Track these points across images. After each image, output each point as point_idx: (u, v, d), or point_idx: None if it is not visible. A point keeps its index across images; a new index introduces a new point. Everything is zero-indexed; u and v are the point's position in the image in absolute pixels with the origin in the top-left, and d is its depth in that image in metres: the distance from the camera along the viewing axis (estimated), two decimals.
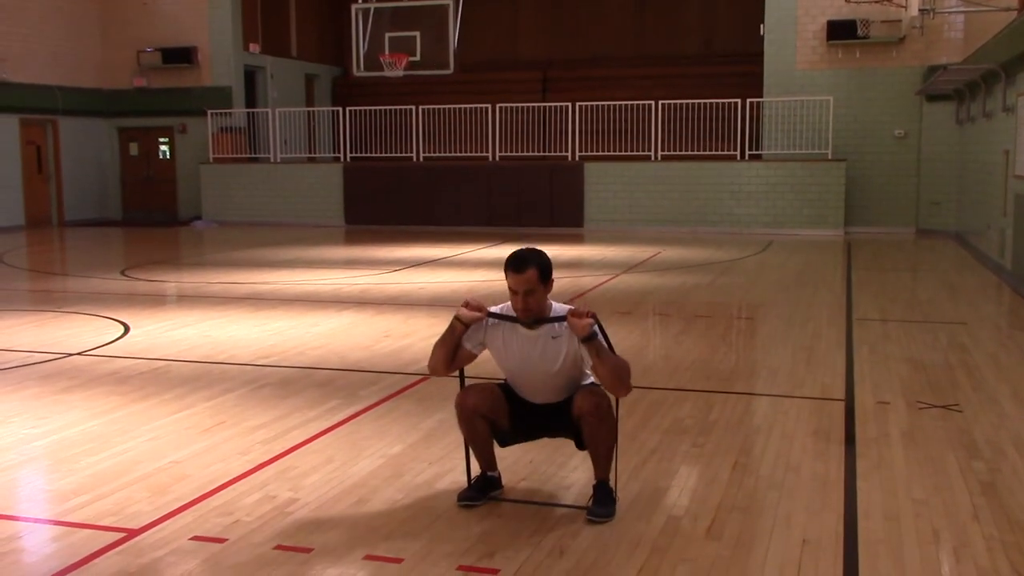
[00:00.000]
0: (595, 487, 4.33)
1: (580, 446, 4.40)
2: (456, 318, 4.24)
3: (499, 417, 4.36)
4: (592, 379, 4.34)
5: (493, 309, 4.28)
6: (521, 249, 4.22)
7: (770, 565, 3.76)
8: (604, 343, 4.11)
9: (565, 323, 4.15)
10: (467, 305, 4.25)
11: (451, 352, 4.27)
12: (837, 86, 19.05)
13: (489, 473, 4.48)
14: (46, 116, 21.34)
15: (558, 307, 4.26)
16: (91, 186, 22.72)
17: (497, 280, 12.11)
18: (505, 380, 4.46)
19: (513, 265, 4.15)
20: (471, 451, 4.46)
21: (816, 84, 19.19)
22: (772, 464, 4.96)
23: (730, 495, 4.50)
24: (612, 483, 4.34)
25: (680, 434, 5.48)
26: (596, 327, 4.08)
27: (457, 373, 4.41)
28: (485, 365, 4.64)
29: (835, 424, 5.68)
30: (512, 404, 4.39)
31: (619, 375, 4.12)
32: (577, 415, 4.24)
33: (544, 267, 4.17)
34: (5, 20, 20.12)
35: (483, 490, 4.42)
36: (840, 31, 18.81)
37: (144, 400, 6.22)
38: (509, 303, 4.27)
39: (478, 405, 4.30)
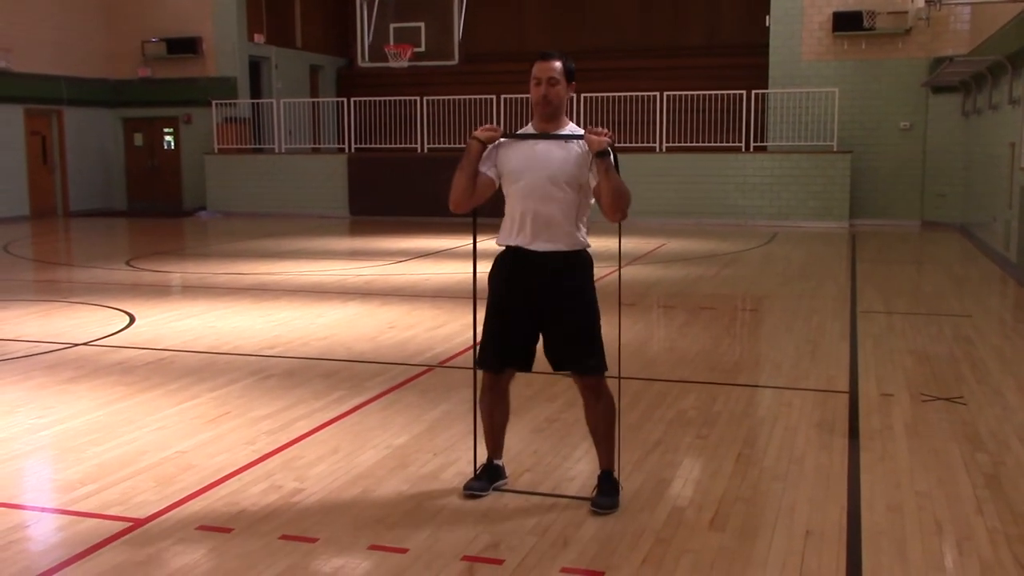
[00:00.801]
0: (600, 478, 4.35)
1: (555, 364, 4.34)
2: (473, 137, 4.26)
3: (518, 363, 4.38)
4: (581, 237, 4.33)
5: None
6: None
7: (773, 556, 3.77)
8: (614, 165, 4.14)
9: (579, 142, 4.20)
10: (484, 127, 4.30)
11: (471, 178, 4.25)
12: (843, 78, 19.00)
13: (495, 461, 4.50)
14: (51, 106, 21.36)
15: (575, 128, 4.30)
16: (96, 176, 22.74)
17: None
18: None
19: (541, 55, 4.25)
20: (485, 433, 4.47)
21: (822, 76, 19.14)
22: (776, 456, 4.97)
23: (734, 486, 4.51)
24: (616, 474, 4.35)
25: (684, 426, 5.49)
26: (610, 147, 4.12)
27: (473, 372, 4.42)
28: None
29: (839, 416, 5.69)
30: (510, 327, 4.32)
31: (619, 196, 4.15)
32: (579, 389, 4.31)
33: (570, 67, 4.25)
34: (10, 10, 20.11)
35: (490, 480, 4.44)
36: (846, 22, 18.76)
37: (150, 390, 6.24)
38: (527, 127, 4.33)
39: (501, 377, 4.37)
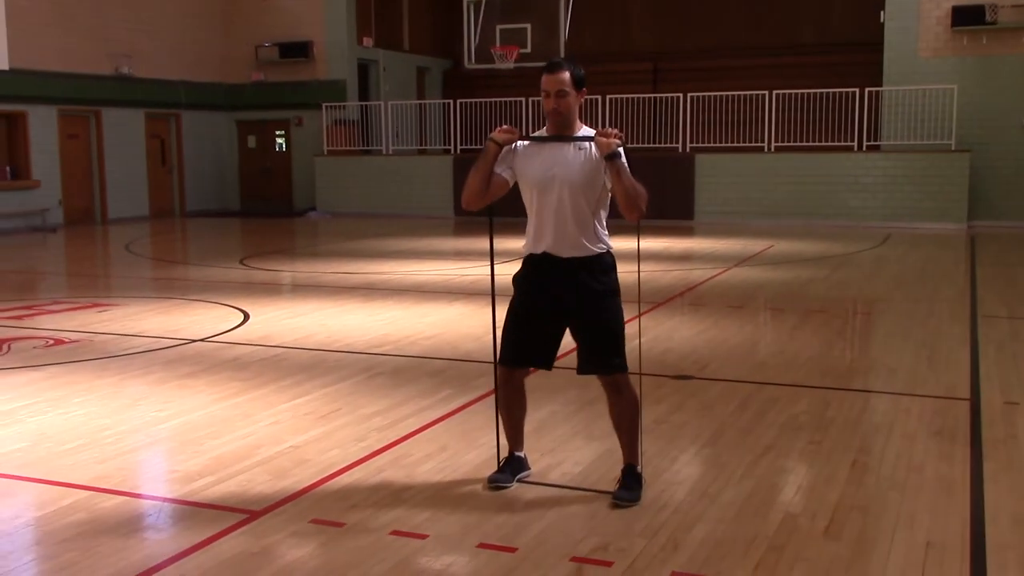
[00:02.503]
0: (623, 471, 4.37)
1: (580, 367, 4.40)
2: (491, 139, 4.32)
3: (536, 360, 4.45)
4: (604, 240, 4.32)
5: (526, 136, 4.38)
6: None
7: (892, 568, 3.65)
8: (626, 166, 4.15)
9: (593, 144, 4.22)
10: (501, 129, 4.34)
11: (486, 178, 4.32)
12: (962, 74, 18.36)
13: (517, 453, 4.58)
14: (170, 110, 22.13)
15: (588, 130, 4.33)
16: (211, 178, 23.48)
17: None
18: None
19: (548, 67, 4.26)
20: (504, 427, 4.57)
21: (939, 72, 18.53)
22: (893, 464, 4.81)
23: (849, 494, 4.39)
24: (639, 468, 4.37)
25: (796, 431, 5.37)
26: (621, 149, 4.14)
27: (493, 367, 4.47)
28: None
29: (960, 424, 5.49)
30: (531, 331, 4.38)
31: (632, 196, 4.15)
32: (602, 384, 4.33)
33: (578, 74, 4.26)
34: (132, 17, 20.91)
35: (514, 472, 4.52)
36: (966, 17, 18.12)
37: (263, 386, 6.40)
38: (542, 130, 4.38)
39: (518, 372, 4.46)
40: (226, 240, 18.09)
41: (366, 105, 22.72)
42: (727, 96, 19.71)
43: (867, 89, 18.55)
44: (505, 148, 4.34)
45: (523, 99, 20.82)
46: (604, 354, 4.32)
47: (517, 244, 4.58)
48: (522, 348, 4.42)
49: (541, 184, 4.30)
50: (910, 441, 5.17)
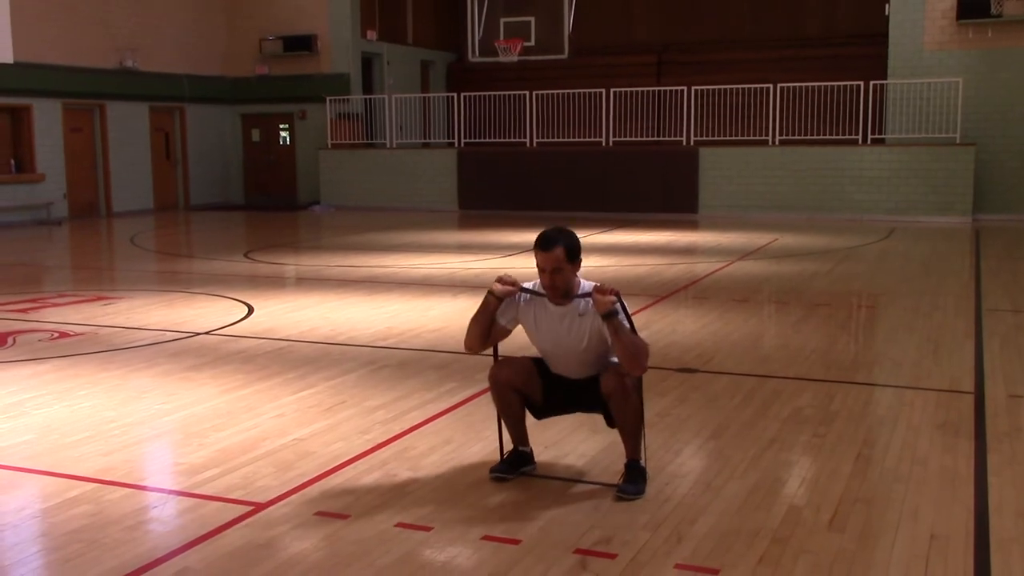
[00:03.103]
0: (626, 465, 4.39)
1: (611, 423, 4.47)
2: (490, 293, 4.38)
3: (532, 391, 4.50)
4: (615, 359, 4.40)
5: (526, 285, 4.41)
6: (551, 229, 4.36)
7: (896, 560, 3.65)
8: (625, 323, 4.17)
9: (591, 301, 4.23)
10: (501, 280, 4.37)
11: (486, 328, 4.41)
12: (967, 67, 18.32)
13: (521, 448, 4.59)
14: (174, 104, 22.13)
15: (586, 284, 4.35)
16: (215, 171, 23.48)
17: (610, 266, 12.10)
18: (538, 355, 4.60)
19: (541, 244, 4.28)
20: (503, 425, 4.58)
21: (944, 65, 18.48)
22: (897, 457, 4.82)
23: (853, 487, 4.39)
24: (643, 462, 4.39)
25: (800, 424, 5.37)
26: (618, 305, 4.15)
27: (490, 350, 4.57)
28: (518, 340, 4.65)
29: (964, 417, 5.48)
30: (545, 378, 4.50)
31: (633, 354, 4.18)
32: (605, 394, 4.31)
33: (571, 247, 4.28)
34: (136, 12, 20.91)
35: (515, 465, 4.54)
36: (972, 9, 18.06)
37: (268, 379, 6.41)
38: (539, 283, 4.41)
39: (511, 379, 4.45)
40: (230, 233, 18.11)
41: (370, 99, 22.70)
42: (731, 89, 19.67)
43: (872, 82, 18.51)
44: (505, 300, 4.39)
45: (527, 92, 20.80)
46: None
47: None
48: (543, 372, 4.50)
49: (550, 354, 4.46)
50: (914, 434, 5.17)
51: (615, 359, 4.36)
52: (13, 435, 5.23)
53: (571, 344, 4.36)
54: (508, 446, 4.62)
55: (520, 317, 4.46)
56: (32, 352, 7.29)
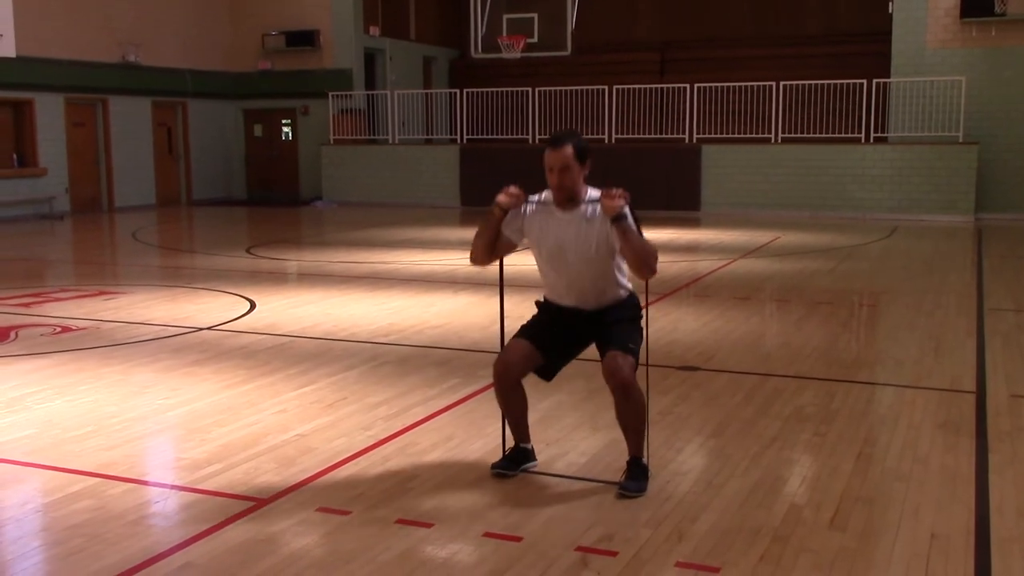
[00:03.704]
0: (628, 463, 4.38)
1: (610, 347, 4.39)
2: (495, 204, 4.34)
3: (535, 360, 4.44)
4: (626, 284, 4.40)
5: (532, 197, 4.40)
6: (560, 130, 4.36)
7: (897, 559, 3.66)
8: (633, 227, 4.15)
9: (599, 206, 4.21)
10: (506, 192, 4.34)
11: (492, 241, 4.39)
12: (971, 66, 18.29)
13: (522, 444, 4.59)
14: (176, 99, 22.13)
15: (594, 192, 4.32)
16: (217, 166, 23.49)
17: None
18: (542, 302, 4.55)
19: (550, 142, 4.28)
20: (506, 421, 4.59)
21: (947, 63, 18.46)
22: (898, 456, 4.82)
23: (854, 486, 4.40)
24: (645, 460, 4.39)
25: (801, 422, 5.37)
26: (626, 209, 4.14)
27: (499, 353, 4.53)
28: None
29: (965, 417, 5.49)
30: (543, 342, 4.43)
31: (642, 257, 4.17)
32: (606, 379, 4.27)
33: (580, 146, 4.27)
34: (139, 6, 20.90)
35: (516, 461, 4.54)
36: (975, 8, 18.04)
37: (270, 374, 6.42)
38: (547, 192, 4.38)
39: (514, 363, 4.40)
40: (232, 229, 18.11)
41: (372, 94, 22.70)
42: (734, 87, 19.66)
43: (875, 80, 18.49)
44: (511, 212, 4.37)
45: (529, 89, 20.79)
46: (621, 338, 4.32)
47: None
48: (526, 347, 4.42)
49: (554, 260, 4.37)
50: (916, 433, 5.17)
51: (624, 287, 4.35)
52: (15, 429, 5.24)
53: (578, 251, 4.29)
54: (511, 442, 4.63)
55: (525, 227, 4.40)
56: (34, 347, 7.30)
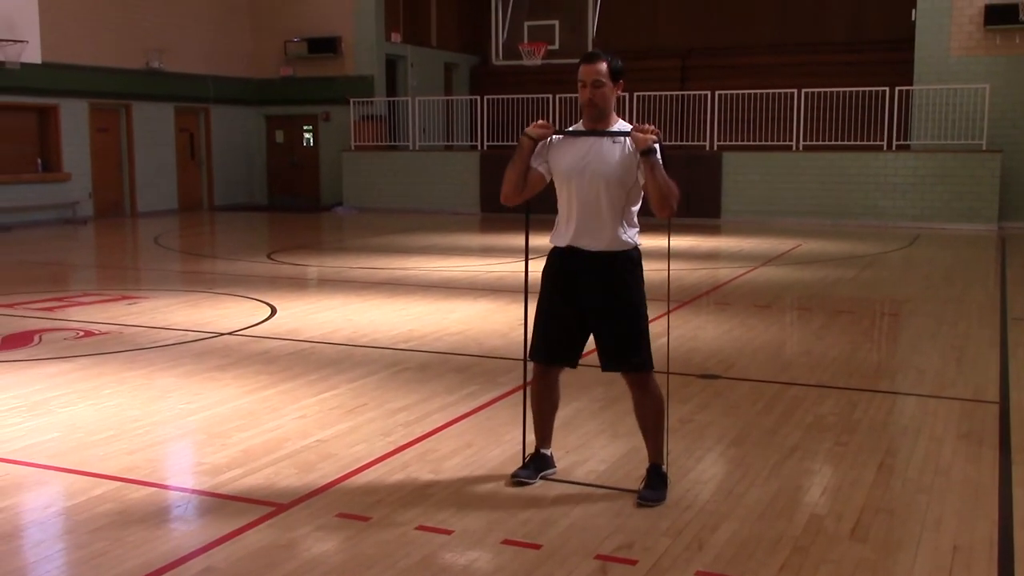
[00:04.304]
0: (648, 471, 4.38)
1: (604, 365, 4.42)
2: (525, 134, 4.34)
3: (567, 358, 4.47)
4: (633, 235, 4.33)
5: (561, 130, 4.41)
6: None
7: (918, 571, 3.63)
8: (660, 163, 4.15)
9: (628, 138, 4.22)
10: (535, 124, 4.35)
11: (522, 174, 4.35)
12: (994, 73, 18.17)
13: (543, 451, 4.60)
14: (199, 104, 22.27)
15: (624, 124, 4.32)
16: (239, 172, 23.62)
17: None
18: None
19: (585, 57, 4.28)
20: (532, 422, 4.60)
21: (971, 71, 18.35)
22: (920, 467, 4.79)
23: (875, 496, 4.37)
24: (664, 468, 4.38)
25: (822, 432, 5.35)
26: (657, 145, 4.13)
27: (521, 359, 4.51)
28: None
29: (988, 428, 5.45)
30: (562, 342, 4.43)
31: (665, 193, 4.16)
32: (626, 381, 4.36)
33: (615, 65, 4.26)
34: (163, 13, 21.06)
35: (537, 469, 4.54)
36: (999, 15, 17.93)
37: (291, 380, 6.44)
38: (577, 124, 4.40)
39: (551, 369, 4.48)
40: (254, 234, 18.20)
41: (393, 101, 22.77)
42: (755, 94, 19.60)
43: (897, 88, 18.39)
44: (540, 143, 4.35)
45: (551, 96, 20.80)
46: (627, 351, 4.32)
47: (544, 241, 4.57)
48: (552, 346, 4.45)
49: (574, 174, 4.29)
50: (938, 444, 5.14)
51: (631, 226, 4.31)
52: (39, 433, 5.29)
53: (598, 169, 4.23)
54: (530, 448, 4.63)
55: (551, 155, 4.36)
56: (57, 351, 7.36)
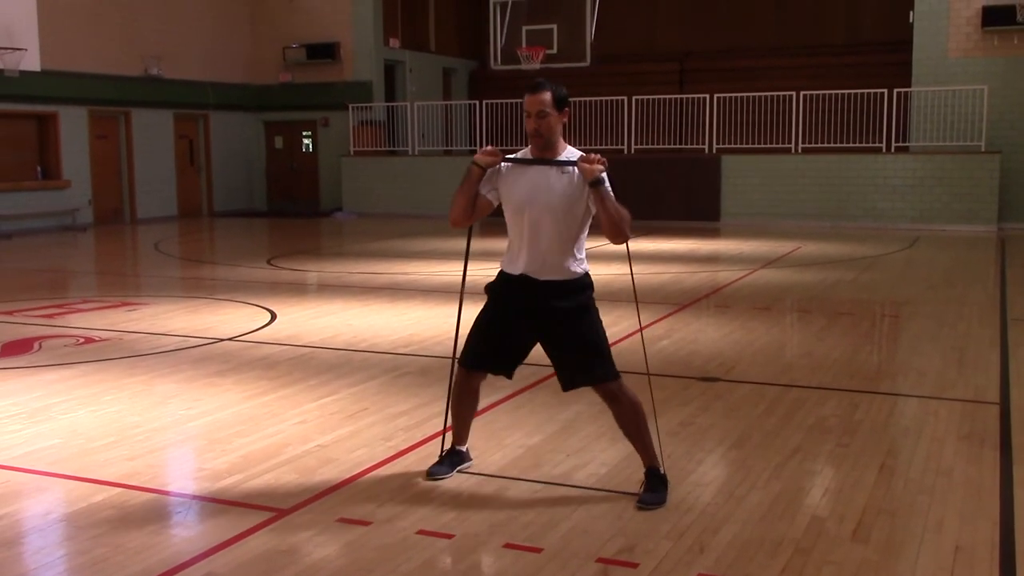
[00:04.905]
0: (645, 474, 4.41)
1: (565, 383, 4.44)
2: (473, 162, 4.39)
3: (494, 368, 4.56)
4: (582, 262, 4.37)
5: (509, 156, 4.45)
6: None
7: (921, 572, 3.63)
8: (611, 192, 4.19)
9: (576, 169, 4.25)
10: (483, 151, 4.40)
11: (471, 200, 4.41)
12: (992, 75, 18.19)
13: (458, 447, 4.72)
14: (198, 111, 22.29)
15: (572, 151, 4.36)
16: (238, 178, 23.64)
17: (633, 273, 12.01)
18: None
19: (529, 88, 4.31)
20: (451, 419, 4.70)
21: (969, 73, 18.37)
22: (922, 468, 4.78)
23: (877, 498, 4.37)
24: (661, 469, 4.40)
25: (824, 433, 5.34)
26: (605, 175, 4.17)
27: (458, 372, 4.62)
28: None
29: (989, 428, 5.44)
30: (496, 348, 4.49)
31: (616, 221, 4.19)
32: (601, 397, 4.41)
33: (559, 94, 4.29)
34: (162, 19, 21.09)
35: (452, 464, 4.66)
36: (996, 17, 17.96)
37: (291, 385, 6.44)
38: (525, 150, 4.43)
39: (474, 376, 4.58)
40: (253, 240, 18.20)
41: (392, 106, 22.79)
42: (754, 97, 19.62)
43: (896, 90, 18.42)
44: (489, 170, 4.40)
45: None
46: (588, 366, 4.36)
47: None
48: (485, 356, 4.52)
49: (523, 208, 4.35)
50: (939, 445, 5.13)
51: (580, 253, 4.34)
52: (39, 439, 5.28)
53: (547, 200, 4.26)
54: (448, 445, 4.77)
55: (500, 183, 4.41)
56: (58, 357, 7.36)
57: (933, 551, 3.80)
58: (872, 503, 4.30)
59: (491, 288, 4.56)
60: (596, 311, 4.42)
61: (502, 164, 4.42)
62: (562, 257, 4.33)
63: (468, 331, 4.60)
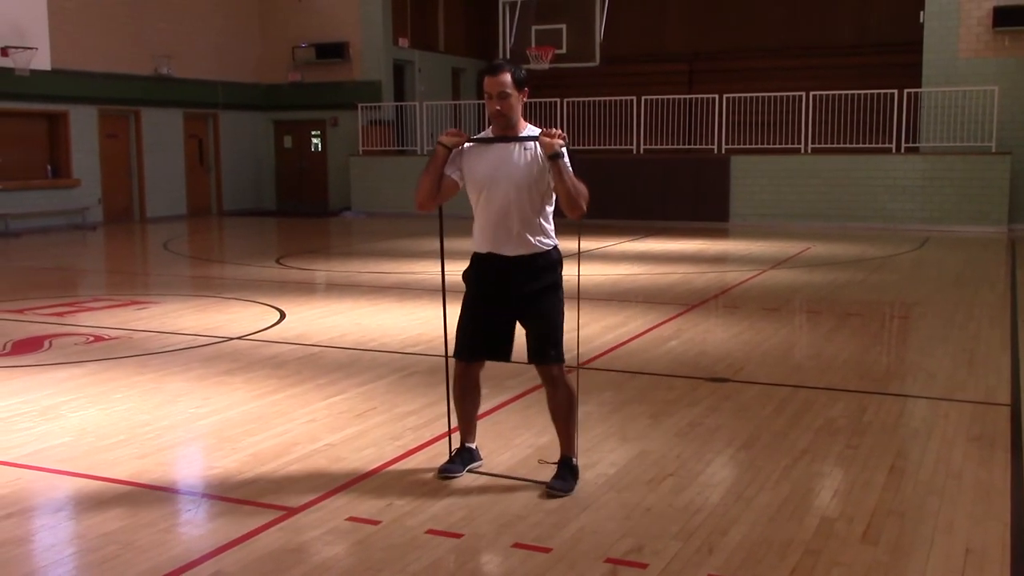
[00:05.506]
0: (559, 462, 4.52)
1: (529, 357, 4.52)
2: (439, 143, 4.46)
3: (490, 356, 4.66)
4: (551, 235, 4.47)
5: (473, 136, 4.54)
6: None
7: (931, 574, 3.62)
8: (569, 166, 4.30)
9: (537, 143, 4.35)
10: (447, 132, 4.48)
11: (436, 181, 4.47)
12: (1003, 75, 18.12)
13: (468, 445, 4.74)
14: (208, 110, 22.34)
15: (533, 129, 4.44)
16: (248, 177, 23.67)
17: (640, 274, 12.07)
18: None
19: (488, 69, 4.40)
20: (455, 416, 4.75)
21: (979, 73, 18.29)
22: (932, 469, 4.77)
23: (887, 499, 4.35)
24: (575, 460, 4.51)
25: (833, 434, 5.33)
26: (564, 149, 4.27)
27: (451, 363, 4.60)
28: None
29: (999, 430, 5.42)
30: (488, 336, 4.56)
31: (573, 195, 4.29)
32: (541, 375, 4.51)
33: (518, 75, 4.38)
34: (171, 19, 21.14)
35: (463, 463, 4.67)
36: (1008, 17, 17.88)
37: (300, 384, 6.45)
38: (487, 130, 4.51)
39: (473, 368, 4.65)
40: (262, 239, 18.23)
41: (401, 106, 22.81)
42: (763, 97, 19.59)
43: (906, 90, 18.36)
44: (454, 151, 4.47)
45: (558, 100, 20.82)
46: (541, 345, 4.47)
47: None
48: (477, 345, 4.59)
49: (486, 184, 4.43)
50: (949, 446, 5.12)
51: (548, 227, 4.43)
52: (50, 438, 5.30)
53: (510, 175, 4.36)
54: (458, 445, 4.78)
55: (463, 163, 4.48)
56: (68, 356, 7.38)
57: (943, 553, 3.79)
58: (882, 505, 4.29)
59: (466, 275, 4.66)
60: (560, 290, 4.52)
61: (466, 144, 4.49)
62: (528, 231, 4.42)
63: (456, 325, 4.68)
